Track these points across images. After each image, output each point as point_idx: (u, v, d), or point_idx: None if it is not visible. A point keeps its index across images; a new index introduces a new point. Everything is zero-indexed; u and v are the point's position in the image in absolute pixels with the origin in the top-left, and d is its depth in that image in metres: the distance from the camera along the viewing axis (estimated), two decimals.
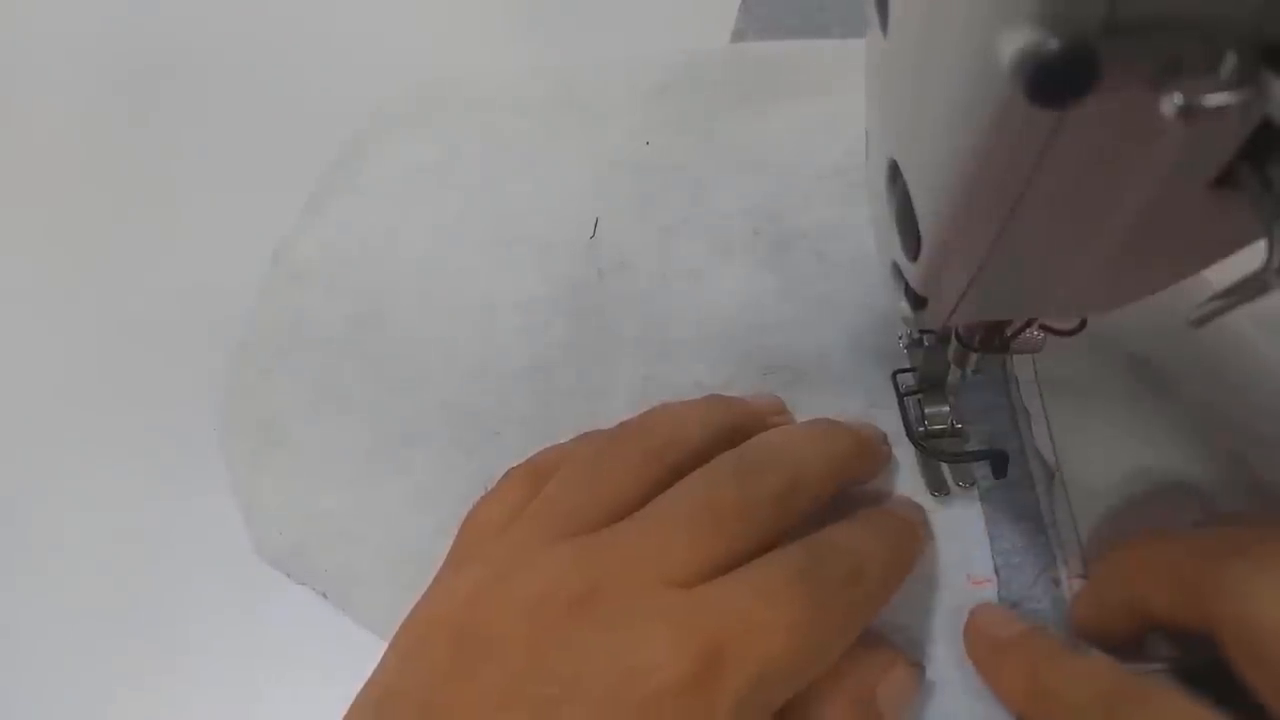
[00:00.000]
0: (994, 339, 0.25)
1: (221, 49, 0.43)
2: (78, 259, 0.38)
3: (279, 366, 0.33)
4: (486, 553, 0.24)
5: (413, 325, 0.34)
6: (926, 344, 0.28)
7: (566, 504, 0.25)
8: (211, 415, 0.33)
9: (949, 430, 0.29)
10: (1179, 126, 0.11)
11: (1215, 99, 0.11)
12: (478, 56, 0.41)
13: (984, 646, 0.25)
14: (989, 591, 0.27)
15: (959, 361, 0.27)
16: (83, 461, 0.33)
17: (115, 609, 0.30)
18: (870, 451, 0.28)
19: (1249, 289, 0.15)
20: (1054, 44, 0.11)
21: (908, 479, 0.29)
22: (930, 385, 0.29)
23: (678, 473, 0.25)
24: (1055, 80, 0.11)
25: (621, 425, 0.27)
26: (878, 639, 0.25)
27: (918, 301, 0.22)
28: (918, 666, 0.25)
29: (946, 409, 0.29)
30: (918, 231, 0.19)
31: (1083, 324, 0.25)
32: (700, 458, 0.25)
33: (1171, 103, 0.11)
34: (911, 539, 0.27)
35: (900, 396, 0.29)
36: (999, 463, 0.27)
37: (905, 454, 0.29)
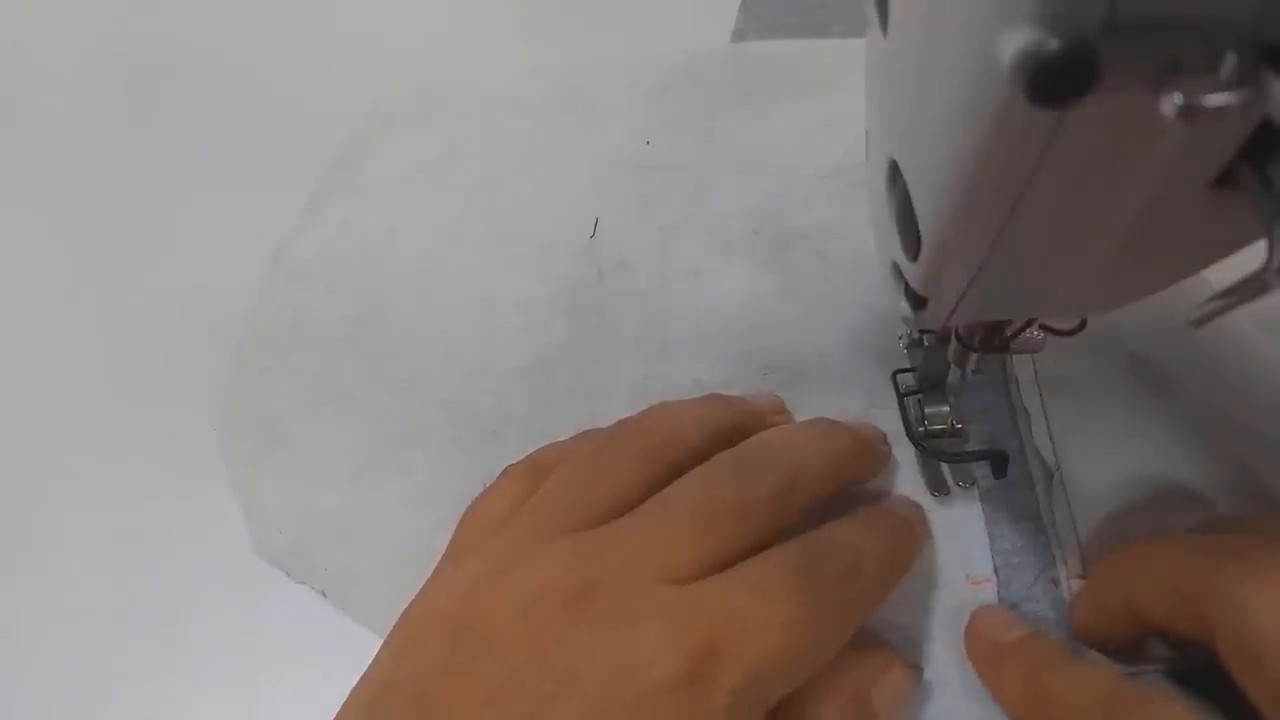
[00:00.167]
0: (994, 339, 0.25)
1: (221, 49, 0.43)
2: (78, 259, 0.38)
3: (279, 366, 0.33)
4: (484, 547, 0.24)
5: (412, 325, 0.34)
6: (926, 344, 0.28)
7: (565, 501, 0.25)
8: (211, 415, 0.32)
9: (949, 430, 0.29)
10: (1179, 126, 0.11)
11: (1215, 99, 0.11)
12: (478, 56, 0.41)
13: (984, 649, 0.25)
14: (988, 591, 0.27)
15: (959, 361, 0.27)
16: (83, 461, 0.33)
17: (115, 609, 0.30)
18: (870, 451, 0.28)
19: (1249, 289, 0.15)
20: (1054, 44, 0.11)
21: (908, 479, 0.29)
22: (930, 385, 0.29)
23: (676, 471, 0.25)
24: (1055, 80, 0.11)
25: (620, 423, 0.27)
26: (875, 639, 0.25)
27: (918, 301, 0.22)
28: (915, 668, 0.25)
29: (946, 409, 0.29)
30: (918, 231, 0.19)
31: (1083, 324, 0.25)
32: (699, 456, 0.25)
33: (1171, 103, 0.11)
34: (909, 537, 0.27)
35: (900, 396, 0.29)
36: (999, 463, 0.27)
37: (905, 454, 0.29)
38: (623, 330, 0.33)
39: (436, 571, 0.25)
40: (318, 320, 0.34)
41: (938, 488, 0.28)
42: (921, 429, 0.29)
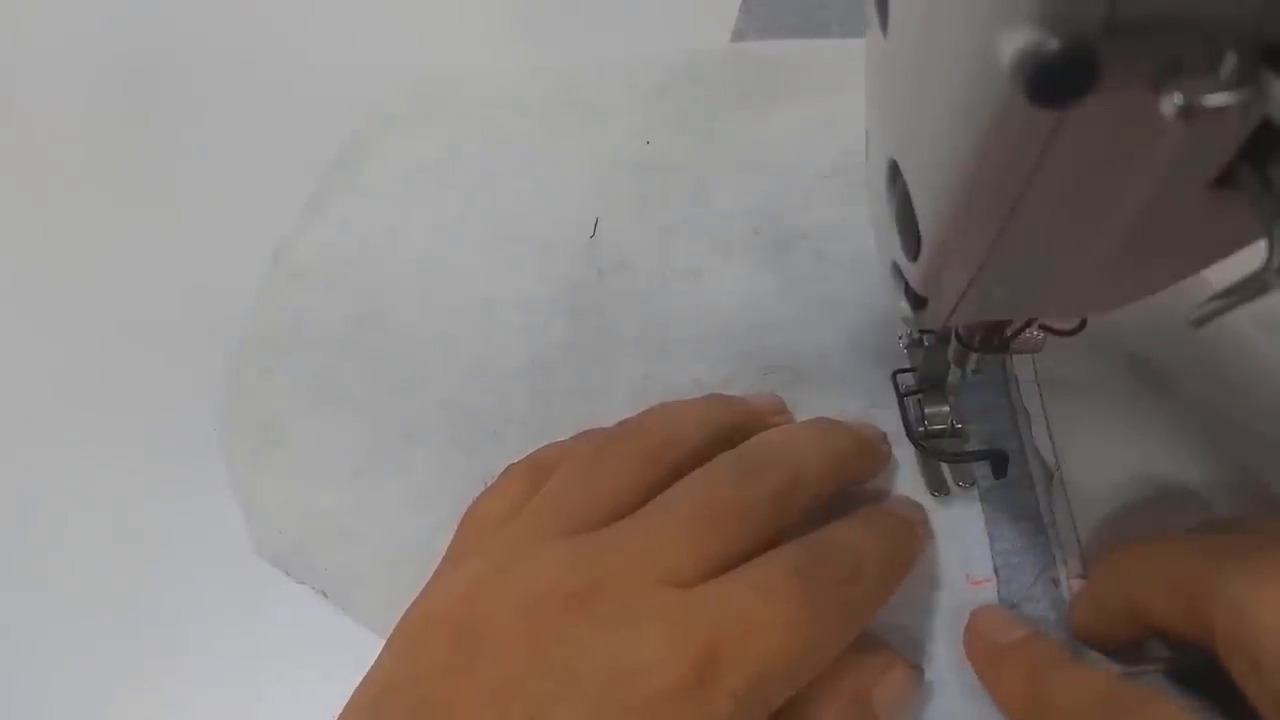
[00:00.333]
0: (994, 339, 0.25)
1: (221, 49, 0.43)
2: (78, 259, 0.38)
3: (279, 366, 0.33)
4: (485, 547, 0.24)
5: (412, 325, 0.34)
6: (926, 344, 0.28)
7: (566, 502, 0.25)
8: (211, 415, 0.32)
9: (949, 430, 0.29)
10: (1179, 126, 0.11)
11: (1215, 99, 0.11)
12: (478, 56, 0.41)
13: (983, 651, 0.25)
14: (988, 591, 0.27)
15: (959, 361, 0.27)
16: (83, 461, 0.33)
17: (115, 609, 0.30)
18: (870, 451, 0.28)
19: (1249, 289, 0.15)
20: (1054, 44, 0.11)
21: (908, 479, 0.29)
22: (930, 385, 0.29)
23: (677, 472, 0.25)
24: (1055, 80, 0.11)
25: (621, 424, 0.27)
26: (876, 641, 0.25)
27: (918, 301, 0.22)
28: (916, 669, 0.25)
29: (946, 409, 0.29)
30: (918, 231, 0.19)
31: (1083, 324, 0.25)
32: (700, 457, 0.25)
33: (1171, 103, 0.11)
34: (911, 538, 0.27)
35: (900, 396, 0.29)
36: (999, 463, 0.27)
37: (905, 454, 0.29)
38: (623, 330, 0.33)
39: (438, 572, 0.25)
40: (318, 320, 0.34)
41: (938, 488, 0.28)
42: (921, 429, 0.29)
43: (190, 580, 0.30)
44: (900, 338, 0.30)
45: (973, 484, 0.28)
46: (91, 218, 0.39)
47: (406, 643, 0.23)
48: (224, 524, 0.30)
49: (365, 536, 0.30)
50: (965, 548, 0.28)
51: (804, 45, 0.39)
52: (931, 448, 0.28)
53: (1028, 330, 0.25)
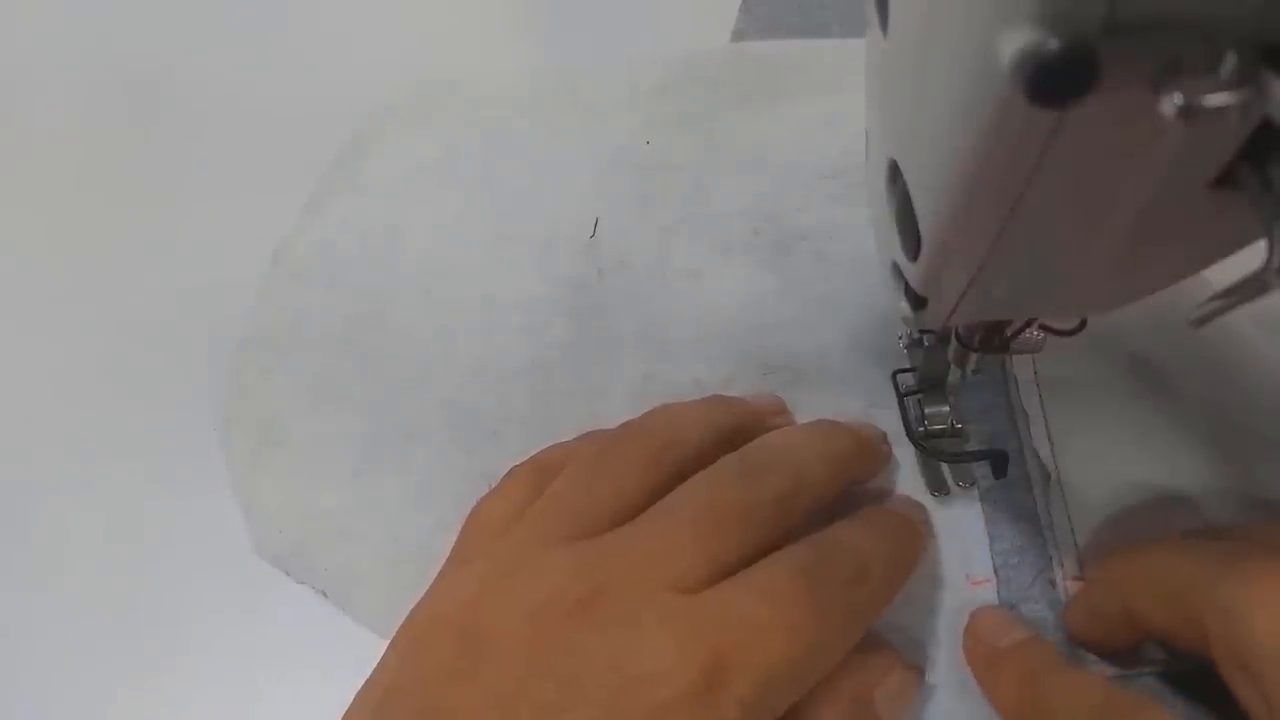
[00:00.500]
0: (994, 339, 0.25)
1: (222, 49, 0.43)
2: (78, 259, 0.37)
3: (279, 366, 0.33)
4: (490, 552, 0.24)
5: (412, 324, 0.34)
6: (926, 344, 0.28)
7: (570, 505, 0.24)
8: (211, 415, 0.32)
9: (949, 430, 0.29)
10: (1179, 126, 0.11)
11: (1215, 99, 0.11)
12: (478, 56, 0.41)
13: (981, 653, 0.25)
14: (988, 592, 0.27)
15: (959, 361, 0.27)
16: (83, 461, 0.33)
17: (115, 609, 0.30)
18: (870, 451, 0.28)
19: (1249, 289, 0.15)
20: (1054, 44, 0.11)
21: (908, 479, 0.29)
22: (930, 385, 0.29)
23: (680, 474, 0.25)
24: (1055, 80, 0.11)
25: (624, 426, 0.27)
26: (876, 641, 0.25)
27: (918, 301, 0.22)
28: (916, 670, 0.25)
29: (946, 409, 0.29)
30: (918, 231, 0.19)
31: (1083, 324, 0.25)
32: (702, 459, 0.25)
33: (1171, 103, 0.11)
34: (914, 537, 0.27)
35: (900, 396, 0.29)
36: (999, 463, 0.27)
37: (905, 454, 0.29)
38: (623, 330, 0.33)
39: (442, 574, 0.25)
40: (318, 320, 0.34)
41: (938, 488, 0.28)
42: (921, 429, 0.29)
43: (190, 580, 0.30)
44: (900, 338, 0.30)
45: (973, 484, 0.28)
46: (92, 218, 0.39)
47: (412, 644, 0.23)
48: (224, 524, 0.30)
49: (365, 536, 0.30)
50: (965, 548, 0.28)
51: (804, 45, 0.39)
52: (931, 448, 0.28)
53: (1028, 330, 0.25)
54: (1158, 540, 0.24)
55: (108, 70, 0.43)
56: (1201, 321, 0.16)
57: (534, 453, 0.28)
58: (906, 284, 0.22)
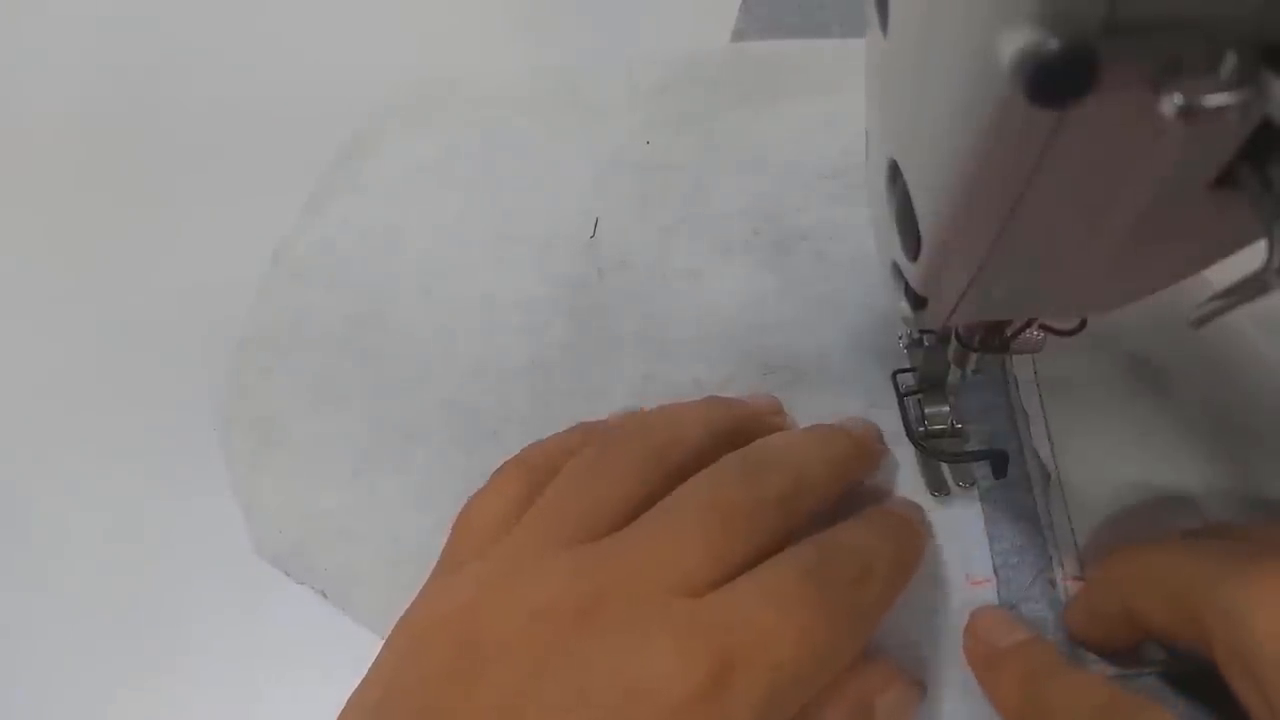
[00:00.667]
0: (994, 339, 0.25)
1: (221, 48, 0.43)
2: (78, 259, 0.37)
3: (279, 366, 0.33)
4: (487, 555, 0.24)
5: (412, 324, 0.34)
6: (926, 344, 0.28)
7: (569, 508, 0.24)
8: (211, 415, 0.32)
9: (949, 430, 0.29)
10: (1179, 126, 0.11)
11: (1215, 99, 0.11)
12: (478, 56, 0.41)
13: (982, 653, 0.25)
14: (988, 592, 0.27)
15: (959, 361, 0.27)
16: (83, 461, 0.33)
17: (115, 609, 0.30)
18: (869, 451, 0.28)
19: (1249, 289, 0.15)
20: (1054, 44, 0.11)
21: (908, 479, 0.29)
22: (930, 385, 0.29)
23: (680, 474, 0.24)
24: (1055, 80, 0.11)
25: (621, 423, 0.27)
26: (879, 651, 0.25)
27: (918, 301, 0.22)
28: (919, 685, 0.25)
29: (946, 409, 0.29)
30: (918, 231, 0.19)
31: (1083, 324, 0.25)
32: (702, 459, 0.25)
33: (1171, 103, 0.11)
34: (915, 537, 0.26)
35: (900, 396, 0.29)
36: (999, 463, 0.27)
37: (905, 454, 0.29)
38: (623, 330, 0.33)
39: (435, 576, 0.25)
40: (318, 320, 0.34)
41: (938, 488, 0.28)
42: (921, 429, 0.29)
43: (190, 580, 0.30)
44: (900, 338, 0.30)
45: (973, 484, 0.28)
46: (91, 218, 0.39)
47: (411, 645, 0.23)
48: (224, 524, 0.30)
49: (365, 536, 0.30)
50: (965, 548, 0.28)
51: (804, 45, 0.39)
52: (931, 448, 0.28)
53: (1028, 330, 0.25)
54: (1158, 540, 0.24)
55: (108, 70, 0.43)
56: (1201, 321, 0.16)
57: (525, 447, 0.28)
58: (906, 284, 0.22)
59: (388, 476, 0.31)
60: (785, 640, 0.21)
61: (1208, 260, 0.18)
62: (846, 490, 0.27)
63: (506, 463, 0.27)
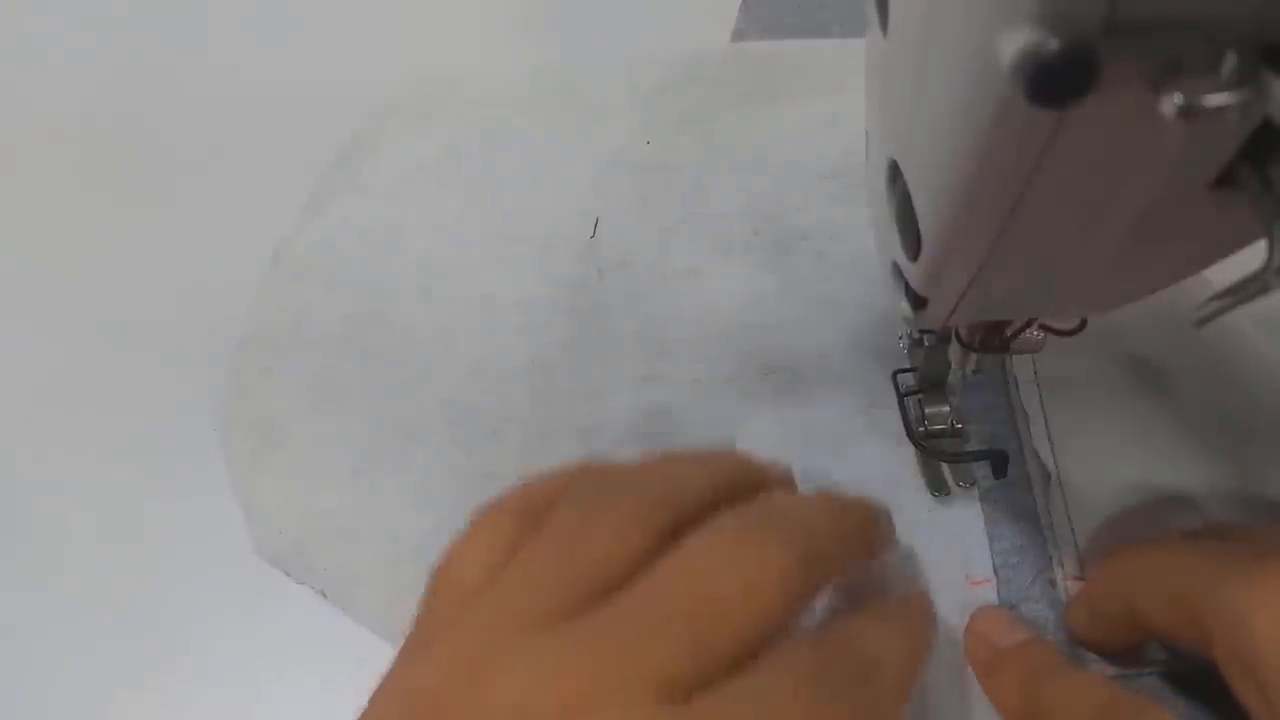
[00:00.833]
0: (994, 339, 0.25)
1: (221, 48, 0.43)
2: (78, 259, 0.37)
3: (279, 366, 0.33)
4: (457, 629, 0.21)
5: (413, 324, 0.34)
6: (926, 344, 0.28)
7: (547, 576, 0.21)
8: (211, 415, 0.32)
9: (949, 430, 0.29)
10: (1179, 126, 0.11)
11: (1215, 99, 0.11)
12: (478, 56, 0.41)
13: (982, 654, 0.25)
14: (988, 592, 0.27)
15: (959, 361, 0.27)
16: (83, 461, 0.33)
17: (115, 609, 0.30)
18: (882, 532, 0.25)
19: (1249, 289, 0.15)
20: (1054, 44, 0.11)
21: (908, 479, 0.29)
22: (930, 385, 0.29)
23: (675, 530, 0.21)
24: (1055, 80, 0.11)
25: (618, 475, 0.24)
26: None
27: (918, 301, 0.22)
28: None
29: (946, 409, 0.29)
30: (918, 231, 0.19)
31: (1083, 324, 0.25)
32: (701, 515, 0.22)
33: (1171, 103, 0.11)
34: (927, 630, 0.23)
35: (900, 396, 0.29)
36: (999, 463, 0.27)
37: (905, 454, 0.29)
38: (623, 330, 0.33)
39: (407, 644, 0.22)
40: (318, 320, 0.34)
41: (938, 488, 0.28)
42: (921, 429, 0.29)
43: (190, 580, 0.30)
44: (900, 338, 0.30)
45: (973, 484, 0.28)
46: (91, 218, 0.39)
47: None
48: (224, 524, 0.30)
49: (365, 536, 0.30)
50: (965, 548, 0.27)
51: (804, 45, 0.39)
52: (932, 448, 0.28)
53: (1028, 330, 0.25)
54: (1158, 540, 0.24)
55: (108, 70, 0.43)
56: (1202, 321, 0.16)
57: (527, 467, 0.25)
58: (906, 284, 0.22)
59: (388, 476, 0.31)
60: None
61: (1208, 260, 0.18)
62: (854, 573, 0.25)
63: (491, 507, 0.24)
